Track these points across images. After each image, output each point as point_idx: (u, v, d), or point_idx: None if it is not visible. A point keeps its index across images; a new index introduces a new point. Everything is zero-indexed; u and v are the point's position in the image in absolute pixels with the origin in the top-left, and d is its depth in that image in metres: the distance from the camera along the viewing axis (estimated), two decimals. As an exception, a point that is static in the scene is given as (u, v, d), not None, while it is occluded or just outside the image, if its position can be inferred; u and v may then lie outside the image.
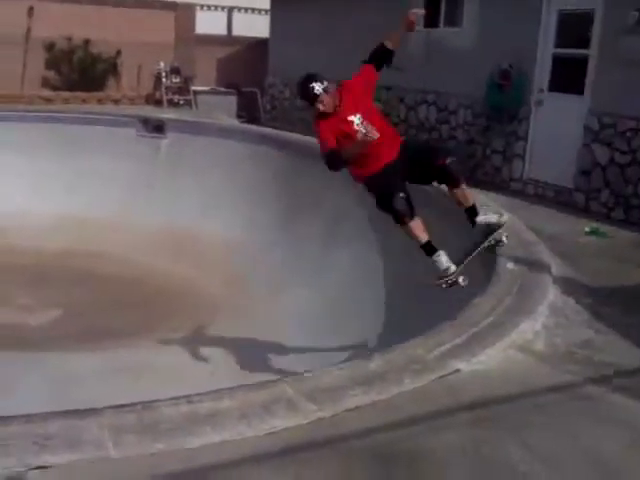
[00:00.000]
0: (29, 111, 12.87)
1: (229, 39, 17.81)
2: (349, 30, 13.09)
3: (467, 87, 10.71)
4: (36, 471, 2.55)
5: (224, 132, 11.82)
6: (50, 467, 2.58)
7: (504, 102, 10.07)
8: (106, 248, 10.23)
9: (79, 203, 11.19)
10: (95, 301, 8.77)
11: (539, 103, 9.71)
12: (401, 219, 4.90)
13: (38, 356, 7.14)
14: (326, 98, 5.05)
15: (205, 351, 7.28)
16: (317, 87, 5.04)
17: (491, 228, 5.45)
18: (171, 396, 3.12)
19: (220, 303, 8.63)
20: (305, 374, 3.39)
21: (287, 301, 8.23)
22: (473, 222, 5.37)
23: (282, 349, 6.90)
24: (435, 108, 11.68)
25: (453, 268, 4.94)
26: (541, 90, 9.68)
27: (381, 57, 5.30)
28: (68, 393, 5.95)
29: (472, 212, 5.37)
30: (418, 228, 4.97)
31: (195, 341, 7.56)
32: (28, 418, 2.78)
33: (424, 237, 4.99)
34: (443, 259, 4.97)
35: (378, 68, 5.30)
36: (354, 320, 7.25)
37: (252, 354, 6.93)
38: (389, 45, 5.29)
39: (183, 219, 10.63)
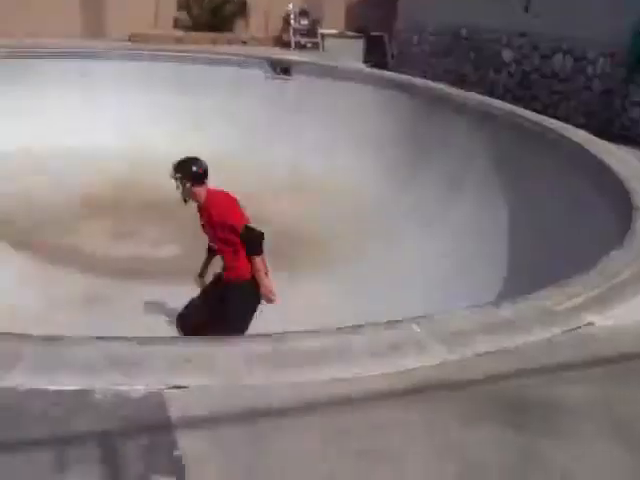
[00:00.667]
0: (160, 50, 13.16)
1: (359, -18, 17.54)
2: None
3: (608, 34, 10.17)
4: (174, 390, 2.66)
5: (350, 75, 11.75)
6: (186, 387, 2.68)
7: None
8: (231, 186, 10.41)
9: (205, 141, 11.32)
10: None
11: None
12: None
13: (165, 288, 7.40)
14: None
15: (327, 290, 7.35)
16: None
17: None
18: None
19: (342, 246, 8.65)
20: (434, 316, 3.36)
21: (410, 247, 8.16)
22: None
23: (405, 292, 6.85)
24: (571, 56, 11.17)
25: None
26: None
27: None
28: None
29: None
30: None
31: (317, 280, 7.64)
32: (169, 340, 2.89)
33: None
34: None
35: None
36: (480, 267, 7.13)
37: (375, 295, 6.92)
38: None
39: (307, 161, 10.70)
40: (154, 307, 6.79)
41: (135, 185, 10.49)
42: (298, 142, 11.14)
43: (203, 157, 10.82)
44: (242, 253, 5.00)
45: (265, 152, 11.12)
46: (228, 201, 5.25)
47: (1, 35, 12.34)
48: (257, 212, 9.71)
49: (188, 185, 5.08)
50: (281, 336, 3.01)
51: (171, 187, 10.01)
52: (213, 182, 10.21)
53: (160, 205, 9.86)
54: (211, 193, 5.22)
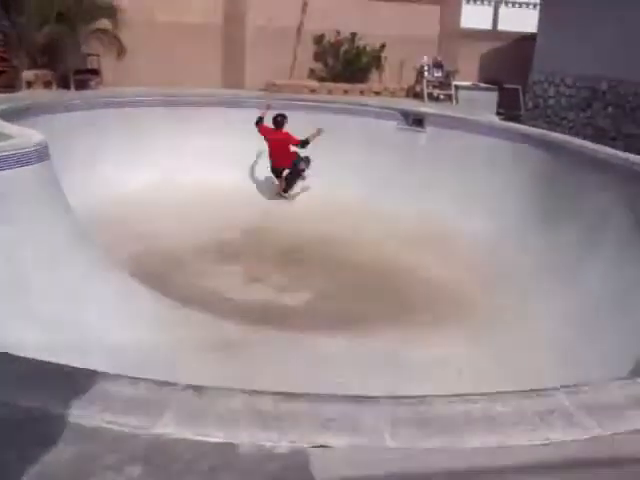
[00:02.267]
0: (295, 99, 13.52)
1: (493, 34, 17.50)
2: (622, 23, 12.32)
3: None
4: (318, 449, 2.64)
5: (484, 128, 11.66)
6: (331, 447, 2.66)
7: None
8: (360, 236, 10.50)
9: (337, 191, 11.59)
10: (346, 287, 8.99)
11: None
12: None
13: (294, 336, 7.46)
14: None
15: (453, 349, 7.21)
16: None
17: None
18: (423, 392, 3.10)
19: (471, 302, 8.49)
20: (582, 387, 3.22)
21: (541, 308, 7.92)
22: None
23: (536, 355, 6.64)
24: None
25: None
26: None
27: None
28: (320, 375, 6.18)
29: None
30: None
31: (444, 338, 7.51)
32: (312, 397, 2.89)
33: None
34: None
35: None
36: (616, 334, 6.81)
37: (503, 357, 6.75)
38: None
39: (437, 213, 10.65)
40: (286, 355, 6.85)
41: (267, 230, 10.74)
42: (429, 194, 11.12)
43: (331, 204, 11.12)
44: None
45: (395, 202, 11.15)
46: None
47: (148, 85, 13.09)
48: (385, 262, 9.84)
49: None
50: (425, 399, 2.95)
51: (302, 234, 10.25)
52: (340, 226, 10.44)
53: (292, 251, 10.06)
54: None
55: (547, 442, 2.82)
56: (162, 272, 8.87)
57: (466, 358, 6.91)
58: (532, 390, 3.12)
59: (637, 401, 3.17)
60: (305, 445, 2.65)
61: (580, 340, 6.91)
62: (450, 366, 6.58)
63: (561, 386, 3.17)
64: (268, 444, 2.66)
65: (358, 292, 8.86)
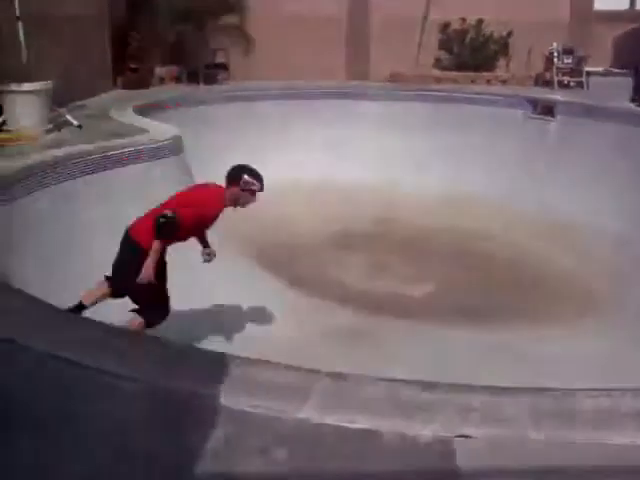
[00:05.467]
0: (419, 90, 13.44)
1: (631, 14, 16.66)
2: None
3: None
4: (461, 439, 2.64)
5: (617, 116, 11.21)
6: (473, 437, 2.65)
7: None
8: (487, 229, 10.36)
9: (464, 181, 11.47)
10: (470, 279, 8.94)
11: None
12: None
13: (419, 327, 7.46)
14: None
15: (579, 348, 7.00)
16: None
17: None
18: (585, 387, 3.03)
19: (601, 298, 8.25)
20: None
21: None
22: None
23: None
24: None
25: None
26: None
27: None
28: (446, 367, 6.13)
29: None
30: None
31: (571, 336, 7.33)
32: (453, 387, 2.89)
33: None
34: None
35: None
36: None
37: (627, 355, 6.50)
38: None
39: (566, 206, 10.34)
40: (412, 344, 6.87)
41: (392, 221, 10.76)
42: (556, 184, 10.81)
43: (460, 196, 10.95)
44: None
45: (523, 192, 10.93)
46: None
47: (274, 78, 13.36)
48: (512, 253, 9.65)
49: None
50: (568, 392, 2.90)
51: (429, 225, 10.18)
52: (467, 217, 10.29)
53: (416, 242, 10.04)
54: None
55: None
56: (289, 261, 9.07)
57: (600, 354, 6.71)
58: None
59: None
60: (448, 435, 2.65)
61: None
62: (582, 362, 6.40)
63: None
64: (411, 433, 2.68)
65: (485, 284, 8.77)
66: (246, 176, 5.27)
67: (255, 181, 5.30)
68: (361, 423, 2.72)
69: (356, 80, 14.86)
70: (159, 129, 8.50)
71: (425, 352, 6.68)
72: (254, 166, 5.45)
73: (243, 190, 5.28)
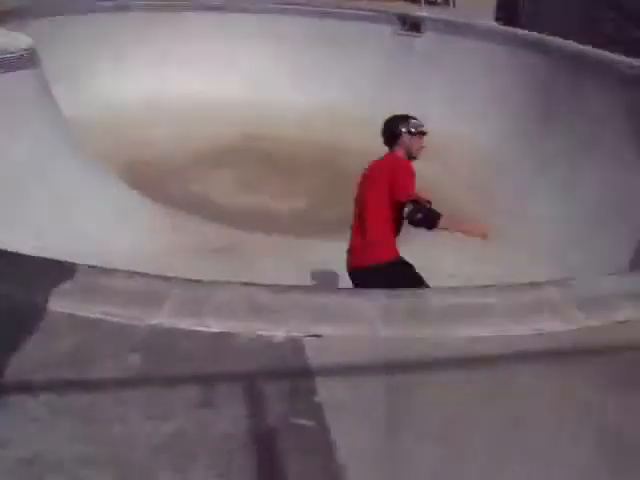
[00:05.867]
0: (290, 4, 13.17)
1: None
2: None
3: None
4: (312, 338, 2.71)
5: (481, 33, 11.39)
6: (324, 336, 2.72)
7: None
8: (358, 144, 10.38)
9: (331, 97, 11.44)
10: (343, 193, 8.99)
11: None
12: None
13: (286, 241, 7.50)
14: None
15: (444, 255, 7.25)
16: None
17: None
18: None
19: (463, 208, 8.52)
20: (571, 281, 3.28)
21: (532, 213, 7.98)
22: None
23: (527, 260, 6.71)
24: None
25: None
26: None
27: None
28: (314, 275, 6.28)
29: None
30: None
31: (435, 243, 7.58)
32: (308, 289, 2.95)
33: None
34: None
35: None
36: (605, 241, 6.88)
37: (503, 260, 6.80)
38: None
39: (434, 120, 10.47)
40: (281, 258, 6.91)
41: (262, 137, 10.65)
42: (423, 100, 10.91)
43: (330, 112, 10.92)
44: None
45: (391, 109, 11.00)
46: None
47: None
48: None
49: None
50: (418, 292, 3.01)
51: (301, 141, 10.13)
52: (338, 136, 10.33)
53: (285, 157, 10.00)
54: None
55: (538, 332, 2.90)
56: (155, 179, 8.86)
57: (463, 263, 6.98)
58: (523, 284, 3.18)
59: (625, 294, 3.24)
60: (300, 334, 2.71)
61: (577, 244, 6.99)
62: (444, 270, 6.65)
63: (552, 280, 3.24)
64: (265, 334, 2.72)
65: (348, 196, 8.85)
66: (409, 121, 4.84)
67: (417, 120, 4.85)
68: (215, 327, 2.74)
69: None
70: (11, 38, 7.97)
71: (293, 264, 6.72)
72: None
73: (413, 135, 4.79)
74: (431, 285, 3.85)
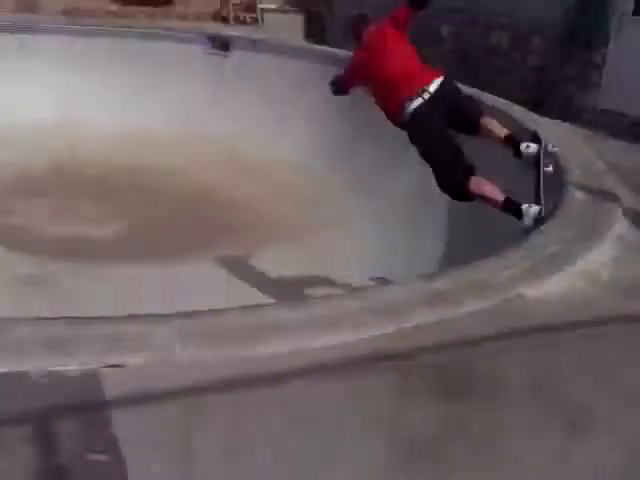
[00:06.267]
0: (95, 25, 12.92)
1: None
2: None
3: (543, 10, 10.31)
4: (108, 369, 2.65)
5: (290, 51, 11.69)
6: (121, 366, 2.68)
7: (581, 26, 9.70)
8: (170, 166, 10.33)
9: (144, 118, 11.27)
10: (158, 216, 8.88)
11: (620, 28, 9.32)
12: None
13: (101, 269, 7.31)
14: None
15: (262, 269, 7.37)
16: None
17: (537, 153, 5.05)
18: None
19: (281, 224, 8.67)
20: (368, 290, 3.43)
21: (349, 226, 8.24)
22: (518, 153, 5.01)
23: (341, 272, 6.92)
24: (508, 33, 11.31)
25: (538, 210, 4.60)
26: (623, 14, 9.27)
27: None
28: (127, 306, 6.12)
29: (511, 140, 5.06)
30: (488, 187, 4.74)
31: (254, 259, 7.67)
32: (102, 320, 2.88)
33: (500, 195, 4.72)
34: (531, 211, 4.59)
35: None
36: (415, 246, 7.23)
37: (311, 274, 6.98)
38: None
39: (247, 138, 10.64)
40: (95, 287, 6.71)
41: (74, 162, 10.31)
42: (236, 118, 11.08)
43: (140, 133, 10.77)
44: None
45: (202, 127, 11.04)
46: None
47: None
48: (196, 187, 9.78)
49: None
50: (217, 312, 3.03)
51: (112, 165, 9.89)
52: (149, 157, 10.22)
53: (99, 182, 9.73)
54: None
55: (335, 344, 3.00)
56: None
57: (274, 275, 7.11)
58: (321, 297, 3.28)
59: (418, 300, 3.42)
60: (96, 366, 2.65)
61: (386, 248, 7.30)
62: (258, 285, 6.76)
63: (348, 291, 3.36)
64: (58, 369, 2.64)
65: (171, 220, 8.79)
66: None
67: None
68: (5, 366, 2.62)
69: (26, 13, 13.84)
70: None
71: (107, 292, 6.56)
72: None
73: None
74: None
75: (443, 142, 4.87)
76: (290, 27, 13.85)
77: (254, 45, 12.07)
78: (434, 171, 4.95)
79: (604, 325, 3.61)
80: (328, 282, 6.54)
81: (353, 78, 5.23)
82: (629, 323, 3.67)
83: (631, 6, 9.20)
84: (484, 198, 4.75)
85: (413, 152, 8.59)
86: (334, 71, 10.62)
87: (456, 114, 5.05)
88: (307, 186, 9.61)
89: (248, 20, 14.77)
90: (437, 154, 4.90)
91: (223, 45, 12.03)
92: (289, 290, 6.19)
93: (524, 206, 4.63)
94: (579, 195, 5.23)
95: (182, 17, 14.82)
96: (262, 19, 14.76)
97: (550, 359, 3.17)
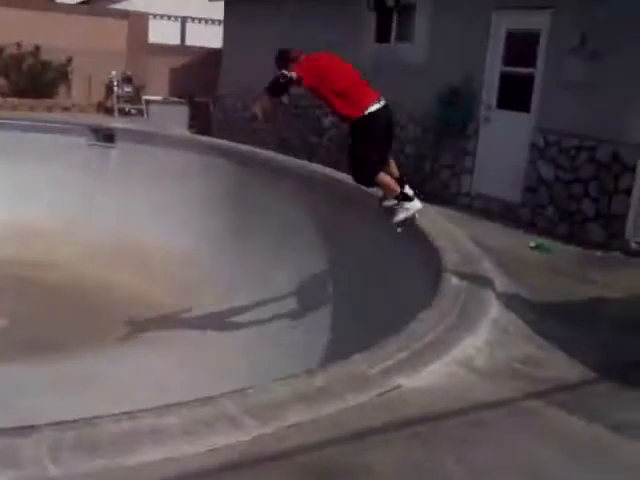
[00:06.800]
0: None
1: (182, 49, 17.76)
2: (297, 44, 13.12)
3: (418, 102, 10.84)
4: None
5: (174, 142, 11.75)
6: (-13, 487, 2.55)
7: (453, 118, 10.23)
8: (53, 258, 10.11)
9: (25, 211, 11.03)
10: (41, 311, 8.64)
11: (487, 119, 9.90)
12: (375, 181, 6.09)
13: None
14: None
15: (151, 362, 7.25)
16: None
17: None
18: (113, 411, 3.10)
19: (168, 313, 8.59)
20: (247, 390, 3.40)
21: (233, 314, 8.22)
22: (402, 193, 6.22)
23: (226, 363, 6.88)
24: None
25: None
26: (489, 107, 9.87)
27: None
28: (10, 405, 5.87)
29: (401, 182, 6.25)
30: (388, 179, 6.08)
31: (142, 352, 7.53)
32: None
33: (397, 187, 6.12)
34: (417, 203, 6.22)
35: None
36: (299, 334, 7.27)
37: (196, 366, 6.92)
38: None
39: (132, 229, 10.54)
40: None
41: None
42: (122, 209, 11.00)
43: (27, 226, 10.51)
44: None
45: (87, 219, 10.90)
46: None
47: None
48: (80, 280, 9.57)
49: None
50: (90, 421, 2.93)
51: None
52: (33, 248, 9.96)
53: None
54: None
55: (212, 448, 2.94)
56: None
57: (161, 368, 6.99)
58: (198, 400, 3.23)
59: (298, 396, 3.42)
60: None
61: (271, 344, 7.30)
62: (146, 378, 6.61)
63: (226, 392, 3.33)
64: None
65: (54, 315, 8.57)
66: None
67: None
68: None
69: None
70: None
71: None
72: None
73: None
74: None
75: (377, 143, 6.02)
76: (175, 118, 14.00)
77: (138, 136, 12.08)
78: (355, 162, 6.08)
79: (482, 411, 3.69)
80: (208, 376, 6.45)
81: (296, 85, 5.92)
82: (504, 407, 3.77)
83: (495, 100, 9.82)
84: (385, 187, 6.13)
85: (295, 241, 8.82)
86: (214, 161, 10.89)
87: (387, 137, 6.18)
88: (192, 275, 9.55)
89: (133, 112, 14.84)
90: (368, 151, 5.99)
91: (107, 137, 11.98)
92: (170, 385, 6.08)
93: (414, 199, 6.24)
94: (455, 281, 5.40)
95: (66, 108, 14.75)
96: (147, 111, 14.86)
97: (428, 449, 3.21)
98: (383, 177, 6.07)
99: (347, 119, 6.07)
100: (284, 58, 6.22)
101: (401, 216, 6.20)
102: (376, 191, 6.41)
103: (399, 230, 6.28)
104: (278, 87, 5.87)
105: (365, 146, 5.96)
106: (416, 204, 6.24)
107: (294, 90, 6.00)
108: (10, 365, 7.06)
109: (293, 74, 5.78)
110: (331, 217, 8.40)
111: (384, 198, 6.29)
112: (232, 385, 3.69)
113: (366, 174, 6.09)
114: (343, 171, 8.21)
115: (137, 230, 10.53)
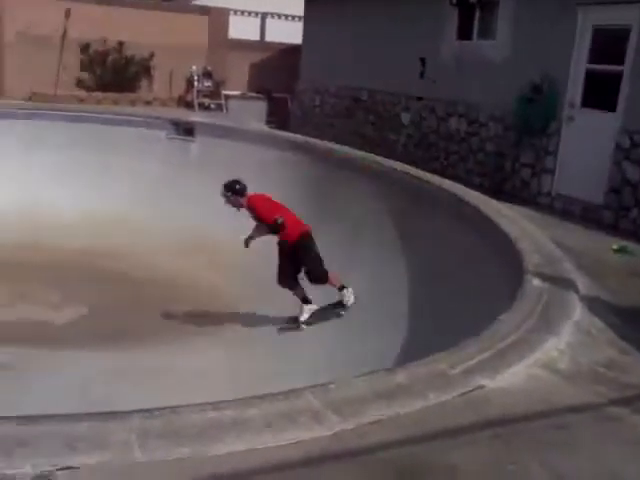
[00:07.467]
0: (61, 110, 13.03)
1: (262, 44, 17.90)
2: (378, 40, 13.12)
3: (498, 100, 10.69)
4: (64, 471, 2.59)
5: (253, 137, 11.88)
6: (78, 468, 2.61)
7: (534, 116, 10.04)
8: (132, 249, 10.30)
9: (106, 202, 11.31)
10: (119, 301, 8.80)
11: (570, 118, 9.67)
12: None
13: (62, 354, 7.19)
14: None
15: (226, 354, 7.33)
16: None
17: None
18: (194, 401, 3.15)
19: (242, 308, 8.66)
20: (329, 385, 3.40)
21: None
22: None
23: (301, 359, 6.89)
24: (465, 120, 11.65)
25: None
26: (572, 105, 9.65)
27: None
28: (87, 392, 6.05)
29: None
30: (334, 277, 7.52)
31: (217, 344, 7.62)
32: (57, 418, 2.82)
33: (340, 282, 7.55)
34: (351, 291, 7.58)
35: None
36: (374, 334, 7.23)
37: (273, 361, 6.95)
38: None
39: (210, 223, 10.66)
40: (58, 375, 6.58)
41: (35, 245, 10.23)
42: (200, 203, 11.13)
43: (107, 217, 10.75)
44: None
45: (167, 212, 11.08)
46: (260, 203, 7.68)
47: None
48: (157, 272, 9.74)
49: (233, 198, 7.71)
50: (175, 410, 2.99)
51: (74, 249, 9.84)
52: (113, 239, 10.19)
53: (60, 266, 9.64)
54: (250, 198, 7.70)
55: (294, 441, 2.96)
56: None
57: (231, 362, 7.06)
58: (281, 392, 3.25)
59: (379, 393, 3.41)
60: (49, 468, 2.58)
61: (348, 339, 7.28)
62: (220, 371, 6.70)
63: (308, 387, 3.34)
64: (10, 472, 2.56)
65: (132, 305, 8.71)
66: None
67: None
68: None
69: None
70: None
71: (66, 380, 6.43)
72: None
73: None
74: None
75: (318, 256, 7.49)
76: (253, 113, 14.13)
77: (217, 131, 12.24)
78: (310, 270, 7.51)
79: (565, 415, 3.62)
80: (284, 370, 6.49)
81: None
82: (587, 412, 3.69)
83: (579, 98, 9.59)
84: (332, 283, 7.53)
85: (368, 237, 8.79)
86: (291, 156, 10.95)
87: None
88: (266, 269, 9.59)
89: (212, 106, 15.04)
90: (317, 261, 7.47)
91: (187, 131, 12.18)
92: (245, 377, 6.14)
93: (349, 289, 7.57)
94: (536, 282, 5.31)
95: (147, 102, 15.06)
96: (226, 105, 15.04)
97: (510, 451, 3.16)
98: (332, 276, 7.52)
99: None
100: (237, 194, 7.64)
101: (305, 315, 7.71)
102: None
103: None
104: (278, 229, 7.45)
105: (313, 257, 7.55)
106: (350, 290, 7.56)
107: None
108: (88, 352, 7.25)
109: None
110: (410, 217, 8.35)
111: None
112: (307, 381, 3.71)
113: (321, 276, 7.53)
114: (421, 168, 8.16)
115: (214, 223, 10.65)
